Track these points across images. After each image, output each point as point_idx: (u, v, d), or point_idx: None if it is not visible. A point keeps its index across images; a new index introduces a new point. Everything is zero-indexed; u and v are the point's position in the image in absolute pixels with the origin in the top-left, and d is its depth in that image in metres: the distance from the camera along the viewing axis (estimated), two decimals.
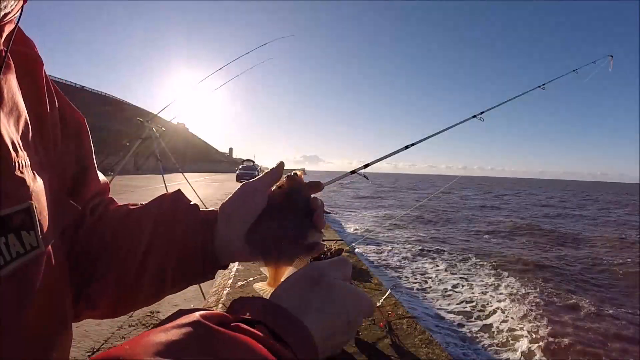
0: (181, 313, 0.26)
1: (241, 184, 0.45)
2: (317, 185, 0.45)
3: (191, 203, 0.46)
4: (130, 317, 2.55)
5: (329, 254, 3.08)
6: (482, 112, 2.07)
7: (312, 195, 0.44)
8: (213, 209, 0.46)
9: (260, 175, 0.45)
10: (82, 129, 0.45)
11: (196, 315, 0.24)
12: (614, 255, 9.60)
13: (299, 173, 0.45)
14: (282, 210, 0.42)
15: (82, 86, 54.65)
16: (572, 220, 18.15)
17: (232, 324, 0.25)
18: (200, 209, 0.46)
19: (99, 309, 0.42)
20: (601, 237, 12.33)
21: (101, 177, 0.48)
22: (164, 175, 3.14)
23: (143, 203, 0.47)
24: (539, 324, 4.82)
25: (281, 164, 0.45)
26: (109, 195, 0.49)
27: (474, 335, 4.49)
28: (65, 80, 51.87)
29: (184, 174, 3.63)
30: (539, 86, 2.24)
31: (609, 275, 7.67)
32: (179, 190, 0.48)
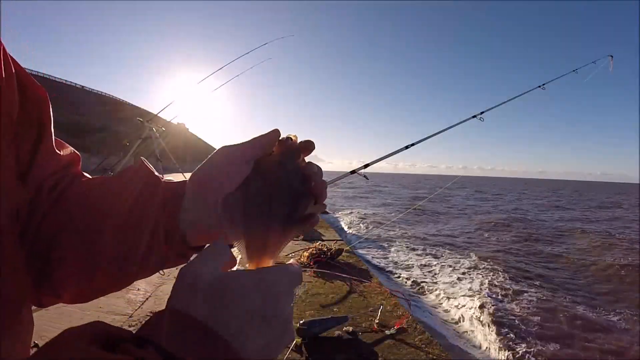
0: (70, 333, 0.23)
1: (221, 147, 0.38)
2: (308, 146, 0.37)
3: (154, 174, 0.40)
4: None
5: (329, 254, 3.09)
6: (482, 112, 2.08)
7: (307, 160, 0.37)
8: (184, 180, 0.40)
9: (248, 140, 0.37)
10: (43, 102, 0.40)
11: (74, 342, 0.22)
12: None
13: (292, 137, 0.37)
14: (272, 176, 0.34)
15: (82, 86, 54.71)
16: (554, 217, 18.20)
17: (122, 345, 0.23)
18: (165, 181, 0.40)
19: (63, 294, 0.39)
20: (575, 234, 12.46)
21: (68, 149, 0.43)
22: (164, 175, 3.14)
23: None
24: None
25: (276, 131, 0.37)
26: (78, 168, 0.44)
27: (472, 331, 4.50)
28: (65, 80, 51.94)
29: (184, 174, 3.63)
30: (539, 86, 2.24)
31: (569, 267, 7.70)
32: (141, 161, 0.42)
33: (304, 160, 0.37)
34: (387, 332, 1.83)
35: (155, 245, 0.37)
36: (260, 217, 0.32)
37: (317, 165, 0.36)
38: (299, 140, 0.37)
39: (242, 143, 0.37)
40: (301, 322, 1.61)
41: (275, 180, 0.34)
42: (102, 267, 0.37)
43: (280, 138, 0.36)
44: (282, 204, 0.33)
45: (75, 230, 0.37)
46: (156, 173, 0.40)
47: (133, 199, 0.38)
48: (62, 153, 0.42)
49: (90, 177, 0.43)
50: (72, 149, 0.44)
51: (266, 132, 0.37)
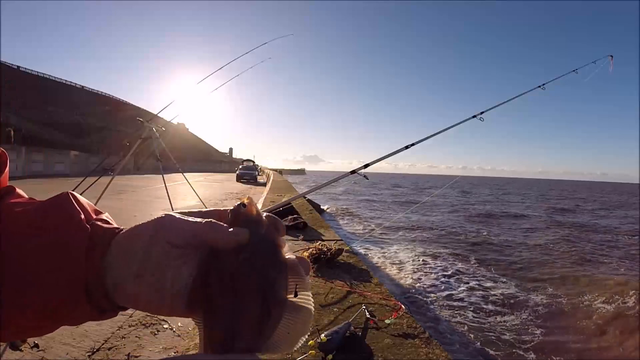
0: None
1: (164, 216, 0.30)
2: (278, 227, 0.30)
3: (75, 214, 0.32)
4: (130, 317, 2.54)
5: (329, 254, 3.09)
6: (482, 112, 2.08)
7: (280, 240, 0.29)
8: (113, 226, 0.33)
9: (194, 217, 0.30)
10: None
11: None
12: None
13: (245, 202, 0.29)
14: (237, 286, 0.26)
15: (82, 86, 54.67)
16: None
17: None
18: (92, 223, 0.32)
19: None
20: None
21: None
22: (164, 175, 3.14)
23: (35, 201, 0.35)
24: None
25: (244, 233, 0.28)
26: (10, 187, 0.36)
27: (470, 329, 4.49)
28: (66, 80, 51.90)
29: (184, 174, 3.63)
30: (539, 86, 2.24)
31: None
32: (66, 195, 0.34)
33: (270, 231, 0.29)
34: (387, 321, 1.85)
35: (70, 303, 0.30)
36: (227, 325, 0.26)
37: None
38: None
39: (195, 223, 0.29)
40: (319, 339, 1.59)
41: (247, 295, 0.26)
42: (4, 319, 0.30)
43: (235, 211, 0.29)
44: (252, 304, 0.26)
45: None
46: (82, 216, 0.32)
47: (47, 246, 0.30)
48: None
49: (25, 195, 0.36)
50: None
51: (231, 229, 0.28)
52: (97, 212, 0.35)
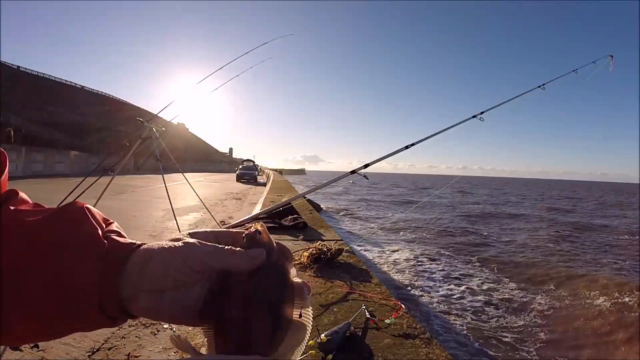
0: None
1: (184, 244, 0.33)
2: (286, 254, 0.34)
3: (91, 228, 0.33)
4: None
5: (329, 254, 3.08)
6: (482, 112, 2.08)
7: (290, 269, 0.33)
8: (129, 242, 0.35)
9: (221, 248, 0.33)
10: None
11: None
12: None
13: (260, 228, 0.33)
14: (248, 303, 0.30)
15: (82, 86, 54.66)
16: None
17: None
18: (108, 239, 0.34)
19: None
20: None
21: None
22: (164, 175, 3.14)
23: (45, 208, 0.35)
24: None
25: (262, 253, 0.32)
26: (9, 189, 0.37)
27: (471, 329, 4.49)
28: (66, 80, 51.90)
29: (184, 174, 3.63)
30: (539, 86, 2.24)
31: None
32: (81, 208, 0.35)
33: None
34: (387, 321, 1.85)
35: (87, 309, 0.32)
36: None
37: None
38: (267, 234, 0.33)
39: (218, 250, 0.32)
40: (319, 339, 1.59)
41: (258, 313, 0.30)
42: (14, 325, 0.31)
43: (250, 237, 0.33)
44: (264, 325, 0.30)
45: None
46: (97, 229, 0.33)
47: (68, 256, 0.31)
48: None
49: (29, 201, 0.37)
50: None
51: (247, 251, 0.32)
52: (107, 221, 0.36)
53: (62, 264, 0.31)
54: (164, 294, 0.32)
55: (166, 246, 0.33)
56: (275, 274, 0.32)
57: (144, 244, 0.35)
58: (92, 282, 0.31)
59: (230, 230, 0.36)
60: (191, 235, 0.34)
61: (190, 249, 0.32)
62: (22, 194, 0.37)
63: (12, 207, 0.34)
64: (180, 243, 0.33)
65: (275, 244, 0.33)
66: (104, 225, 0.35)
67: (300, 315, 0.31)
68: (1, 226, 0.32)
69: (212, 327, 0.31)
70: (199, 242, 0.33)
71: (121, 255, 0.33)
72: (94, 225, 0.34)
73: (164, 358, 2.13)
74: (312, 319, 0.33)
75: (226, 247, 0.33)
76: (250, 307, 0.30)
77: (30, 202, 0.37)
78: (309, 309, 0.32)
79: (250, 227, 0.34)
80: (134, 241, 0.35)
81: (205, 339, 0.31)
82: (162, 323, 2.53)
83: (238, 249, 0.33)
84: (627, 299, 5.78)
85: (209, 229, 0.36)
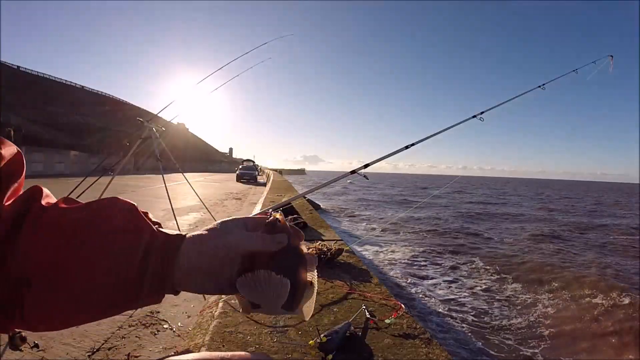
0: None
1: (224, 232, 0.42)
2: (299, 235, 0.44)
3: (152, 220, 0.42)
4: (130, 317, 2.54)
5: (329, 254, 3.08)
6: (482, 112, 2.08)
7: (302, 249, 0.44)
8: (177, 233, 0.42)
9: (247, 233, 0.42)
10: None
11: None
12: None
13: (279, 217, 0.43)
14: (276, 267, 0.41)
15: (82, 86, 54.66)
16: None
17: None
18: (161, 230, 0.41)
19: (31, 327, 0.38)
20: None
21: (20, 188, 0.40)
22: (164, 175, 3.14)
23: (82, 204, 0.40)
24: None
25: (282, 237, 0.43)
26: (37, 187, 0.41)
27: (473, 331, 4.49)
28: (66, 80, 51.89)
29: (184, 174, 3.63)
30: (539, 86, 2.24)
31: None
32: (134, 207, 0.41)
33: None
34: (387, 320, 1.85)
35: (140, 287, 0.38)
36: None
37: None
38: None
39: (253, 237, 0.42)
40: (319, 339, 1.59)
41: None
42: (80, 316, 0.38)
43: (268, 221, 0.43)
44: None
45: (54, 272, 0.35)
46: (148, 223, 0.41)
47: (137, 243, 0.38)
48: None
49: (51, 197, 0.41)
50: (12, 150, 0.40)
51: (273, 236, 0.42)
52: (146, 214, 0.43)
53: (129, 255, 0.37)
54: (210, 274, 0.40)
55: (211, 235, 0.41)
56: (291, 250, 0.42)
57: (187, 233, 0.42)
58: (156, 270, 0.38)
59: (255, 217, 0.45)
60: (224, 223, 0.43)
61: (231, 237, 0.41)
62: (46, 190, 0.41)
63: (61, 205, 0.39)
64: (220, 231, 0.42)
65: (290, 228, 0.44)
66: (150, 219, 0.42)
67: (311, 284, 0.43)
68: (47, 223, 0.37)
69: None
70: (235, 229, 0.42)
71: (176, 244, 0.40)
72: (148, 222, 0.41)
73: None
74: (316, 279, 0.44)
75: (255, 233, 0.42)
76: (275, 274, 0.40)
77: (53, 198, 0.41)
78: (315, 272, 0.44)
79: (271, 215, 0.44)
80: (180, 232, 0.42)
81: (238, 302, 0.43)
82: (162, 323, 2.53)
83: (265, 234, 0.42)
84: (628, 300, 5.78)
85: (240, 217, 0.45)
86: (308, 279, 0.43)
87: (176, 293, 0.41)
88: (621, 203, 34.77)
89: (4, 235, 0.35)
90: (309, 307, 0.43)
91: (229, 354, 0.43)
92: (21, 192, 0.40)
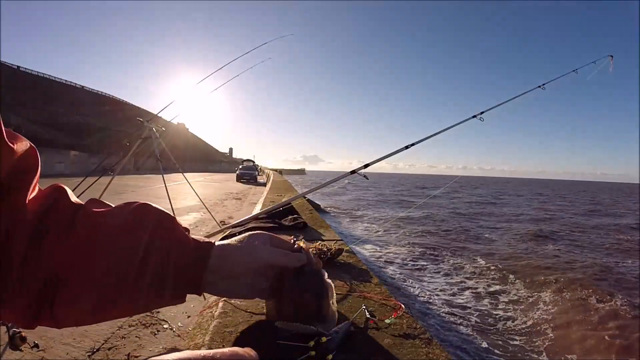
0: None
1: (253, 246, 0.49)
2: (320, 264, 0.58)
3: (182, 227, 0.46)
4: (130, 317, 2.54)
5: (329, 254, 3.08)
6: (482, 112, 2.07)
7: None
8: (207, 240, 0.46)
9: (278, 253, 0.51)
10: None
11: None
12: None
13: (302, 245, 0.55)
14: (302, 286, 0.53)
15: (82, 86, 54.64)
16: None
17: None
18: (192, 237, 0.46)
19: (60, 324, 0.38)
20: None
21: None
22: (164, 175, 3.14)
23: (112, 207, 0.42)
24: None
25: (302, 256, 0.54)
26: (59, 185, 0.41)
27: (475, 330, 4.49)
28: (66, 80, 51.87)
29: (184, 174, 3.63)
30: (539, 86, 2.24)
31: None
32: (171, 217, 0.44)
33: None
34: (387, 320, 1.84)
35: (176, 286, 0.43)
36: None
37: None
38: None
39: (276, 252, 0.51)
40: (319, 340, 1.58)
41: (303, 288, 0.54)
42: (115, 310, 0.40)
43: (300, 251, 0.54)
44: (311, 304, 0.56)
45: (91, 274, 0.37)
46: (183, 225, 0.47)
47: (173, 249, 0.42)
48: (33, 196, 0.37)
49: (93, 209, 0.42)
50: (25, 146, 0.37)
51: (295, 254, 0.53)
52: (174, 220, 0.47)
53: (162, 259, 0.40)
54: (238, 280, 0.47)
55: (240, 246, 0.48)
56: (314, 274, 0.53)
57: (216, 241, 0.47)
58: (192, 274, 0.43)
59: (280, 237, 0.53)
60: (253, 237, 0.50)
61: (259, 251, 0.48)
62: (68, 189, 0.42)
63: (92, 210, 0.41)
64: (247, 244, 0.48)
65: (312, 255, 0.55)
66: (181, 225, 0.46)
67: (334, 309, 0.55)
68: (82, 225, 0.38)
69: (274, 301, 0.53)
70: (262, 244, 0.49)
71: (208, 251, 0.45)
72: (182, 230, 0.44)
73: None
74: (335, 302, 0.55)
75: (278, 249, 0.51)
76: (302, 292, 0.52)
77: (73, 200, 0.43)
78: (334, 298, 0.57)
79: (296, 241, 0.55)
80: (209, 240, 0.47)
81: (265, 307, 0.56)
82: (162, 323, 2.53)
83: (287, 251, 0.52)
84: (628, 300, 5.78)
85: (266, 233, 0.52)
86: (332, 308, 0.56)
87: (199, 294, 0.45)
88: (621, 203, 34.76)
89: (30, 236, 0.34)
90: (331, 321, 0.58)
91: (211, 352, 0.43)
92: (42, 189, 0.39)
